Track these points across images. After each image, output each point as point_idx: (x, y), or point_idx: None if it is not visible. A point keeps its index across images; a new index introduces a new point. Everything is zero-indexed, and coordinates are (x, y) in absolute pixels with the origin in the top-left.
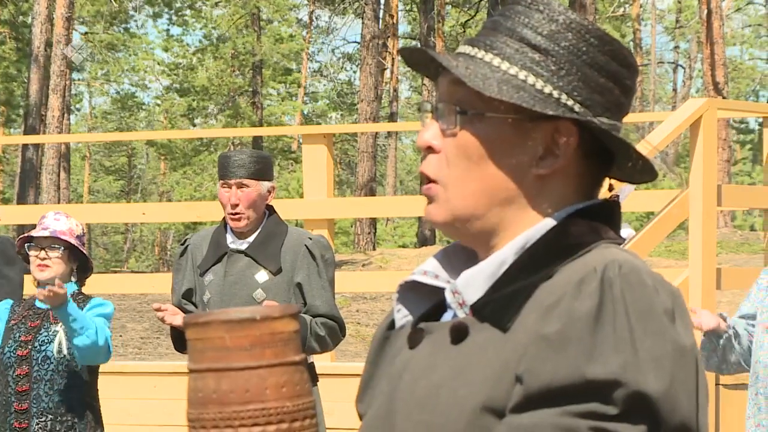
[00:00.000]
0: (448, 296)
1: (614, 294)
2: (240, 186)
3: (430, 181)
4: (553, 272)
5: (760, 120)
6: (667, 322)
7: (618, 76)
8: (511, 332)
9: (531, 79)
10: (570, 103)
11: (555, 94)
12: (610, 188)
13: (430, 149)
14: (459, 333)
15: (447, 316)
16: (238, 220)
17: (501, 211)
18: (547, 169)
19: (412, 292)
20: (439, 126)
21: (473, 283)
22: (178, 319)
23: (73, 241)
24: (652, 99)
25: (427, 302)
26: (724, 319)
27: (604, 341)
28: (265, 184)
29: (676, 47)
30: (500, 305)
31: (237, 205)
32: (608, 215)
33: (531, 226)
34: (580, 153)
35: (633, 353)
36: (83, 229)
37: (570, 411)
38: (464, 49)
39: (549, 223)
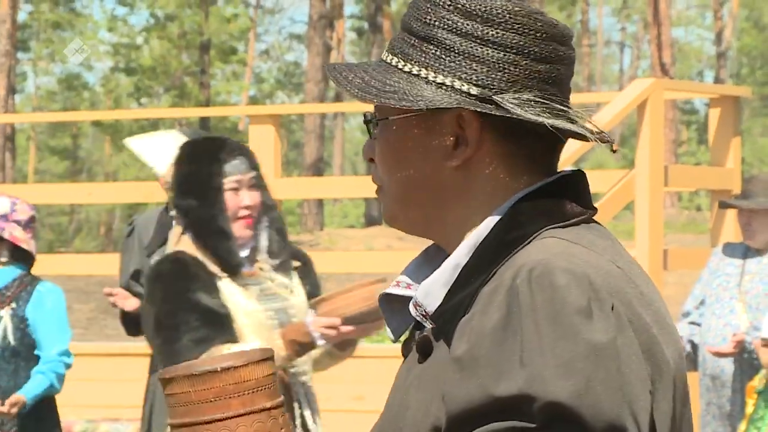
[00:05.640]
0: (412, 310)
1: (521, 302)
2: None
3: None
4: (492, 275)
5: (706, 101)
6: (580, 322)
7: (520, 47)
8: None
9: (423, 72)
10: (465, 87)
11: (448, 81)
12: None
13: (371, 159)
14: (425, 349)
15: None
16: None
17: (435, 208)
18: (458, 159)
19: (396, 302)
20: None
21: (431, 293)
22: (129, 303)
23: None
24: (599, 79)
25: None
26: None
27: (511, 356)
28: None
29: (623, 28)
30: (450, 316)
31: None
32: (564, 191)
33: (476, 219)
34: (496, 133)
35: (541, 362)
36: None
37: (492, 429)
38: (382, 53)
39: (499, 213)
